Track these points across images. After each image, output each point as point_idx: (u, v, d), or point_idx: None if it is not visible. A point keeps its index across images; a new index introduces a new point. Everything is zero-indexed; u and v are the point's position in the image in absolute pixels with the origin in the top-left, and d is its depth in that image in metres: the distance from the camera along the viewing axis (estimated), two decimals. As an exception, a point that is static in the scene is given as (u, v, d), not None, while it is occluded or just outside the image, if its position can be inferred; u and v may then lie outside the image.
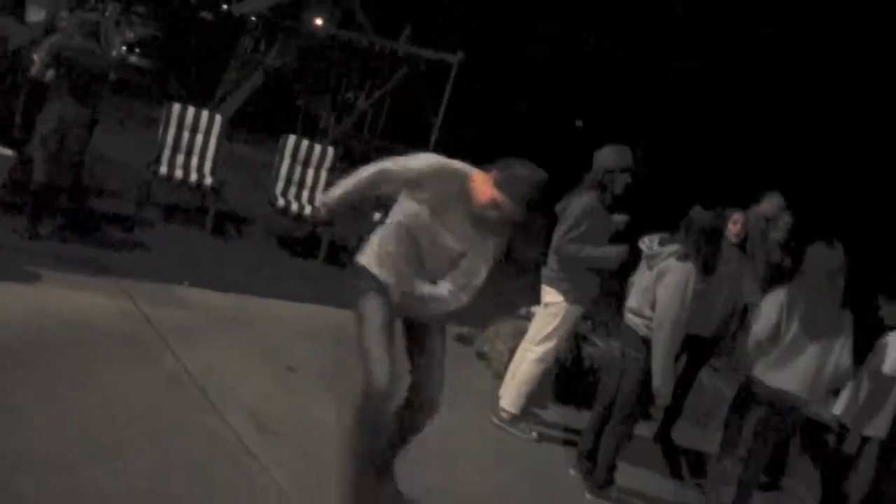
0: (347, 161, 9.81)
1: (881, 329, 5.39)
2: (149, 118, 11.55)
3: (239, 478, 3.91)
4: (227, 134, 8.51)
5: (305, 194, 8.30)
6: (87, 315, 5.09)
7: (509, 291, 7.81)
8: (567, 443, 5.72)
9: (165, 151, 7.94)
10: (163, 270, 6.30)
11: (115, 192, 7.96)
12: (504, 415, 5.59)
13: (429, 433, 3.98)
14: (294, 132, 8.95)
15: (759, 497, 5.80)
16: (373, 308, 3.67)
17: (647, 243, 5.03)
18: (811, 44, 14.47)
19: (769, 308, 5.00)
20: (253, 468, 4.02)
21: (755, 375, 5.00)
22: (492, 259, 3.71)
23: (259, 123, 13.97)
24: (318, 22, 14.68)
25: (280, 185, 8.25)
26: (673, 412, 6.18)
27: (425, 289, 3.65)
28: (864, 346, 5.33)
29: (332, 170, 8.37)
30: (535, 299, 5.91)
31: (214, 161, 8.11)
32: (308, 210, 7.95)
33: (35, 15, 7.62)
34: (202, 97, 13.46)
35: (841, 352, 4.80)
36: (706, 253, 4.85)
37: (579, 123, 19.41)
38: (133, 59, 14.84)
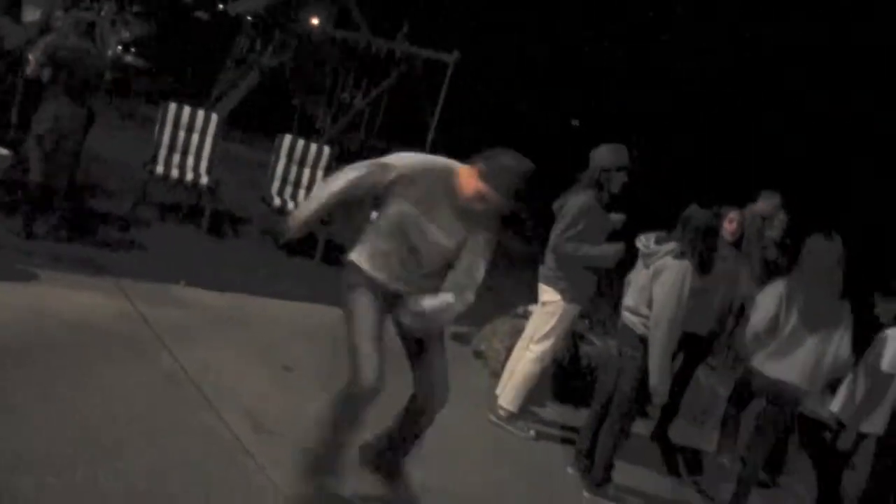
0: (343, 160, 9.80)
1: (877, 326, 5.40)
2: (145, 117, 11.54)
3: (235, 477, 3.90)
4: (223, 133, 8.50)
5: (301, 193, 8.30)
6: (84, 315, 5.09)
7: (506, 290, 7.82)
8: (565, 441, 5.73)
9: (161, 151, 7.93)
10: (159, 270, 6.29)
11: (112, 192, 7.95)
12: (502, 413, 5.59)
13: (426, 432, 3.98)
14: (290, 132, 8.94)
15: (757, 494, 5.81)
16: (362, 305, 3.67)
17: (644, 242, 5.03)
18: (811, 43, 14.49)
19: (768, 300, 5.01)
20: (249, 467, 4.02)
21: (754, 367, 5.01)
22: (488, 253, 3.70)
23: (255, 123, 13.96)
24: (315, 21, 14.68)
25: (276, 184, 8.25)
26: (670, 410, 6.19)
27: (431, 302, 3.57)
28: (861, 344, 5.33)
29: (327, 169, 8.36)
30: (532, 298, 5.91)
31: (210, 160, 8.11)
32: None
33: (31, 14, 7.62)
34: (198, 96, 13.44)
35: (840, 342, 4.82)
36: (702, 251, 4.86)
37: (575, 123, 19.41)
38: (129, 58, 14.81)
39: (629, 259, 5.25)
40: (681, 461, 6.11)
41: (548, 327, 5.46)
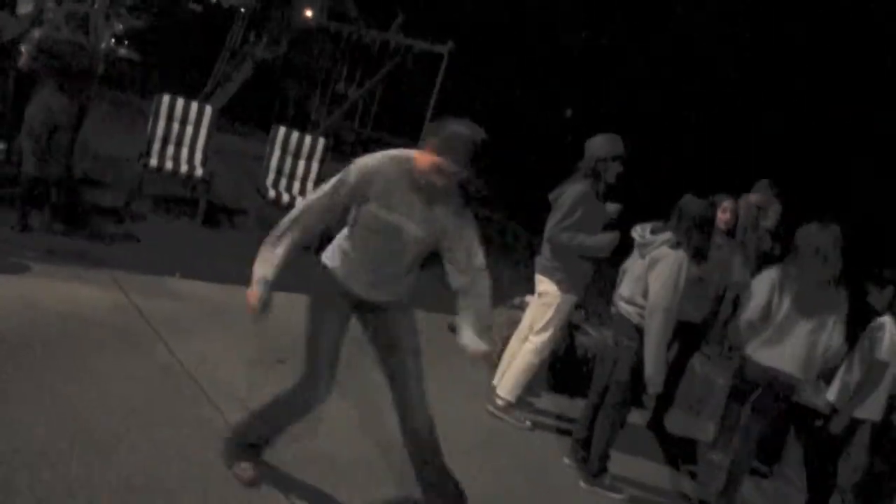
0: (338, 152, 9.78)
1: (871, 315, 5.41)
2: (138, 110, 11.50)
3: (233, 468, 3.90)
4: (218, 125, 8.48)
5: (296, 185, 8.29)
6: (79, 307, 5.08)
7: (502, 281, 7.82)
8: (561, 431, 5.74)
9: (155, 143, 7.91)
10: (154, 262, 6.29)
11: (106, 184, 7.93)
12: (500, 402, 5.60)
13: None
14: (284, 123, 8.92)
15: (752, 483, 5.84)
16: (328, 318, 3.70)
17: (640, 232, 5.04)
18: (811, 43, 14.50)
19: (760, 287, 5.01)
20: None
21: (748, 355, 5.01)
22: (474, 232, 3.64)
23: (249, 115, 13.92)
24: (308, 13, 14.62)
25: (271, 176, 8.24)
26: (665, 400, 6.20)
27: (472, 335, 3.68)
28: (856, 332, 5.35)
29: (322, 161, 8.35)
30: (528, 289, 5.91)
31: (205, 152, 8.09)
32: (300, 202, 7.92)
33: (25, 7, 7.59)
34: (192, 89, 13.40)
35: (833, 331, 4.81)
36: (698, 241, 4.86)
37: (569, 113, 19.39)
38: (122, 51, 14.75)
39: (623, 249, 5.26)
40: (677, 451, 6.12)
41: (546, 318, 5.47)
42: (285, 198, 7.95)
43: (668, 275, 4.75)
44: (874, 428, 5.34)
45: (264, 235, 3.68)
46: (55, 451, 3.58)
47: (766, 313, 4.92)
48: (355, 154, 3.72)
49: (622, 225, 5.40)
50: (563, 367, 6.50)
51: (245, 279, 6.64)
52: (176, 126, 7.99)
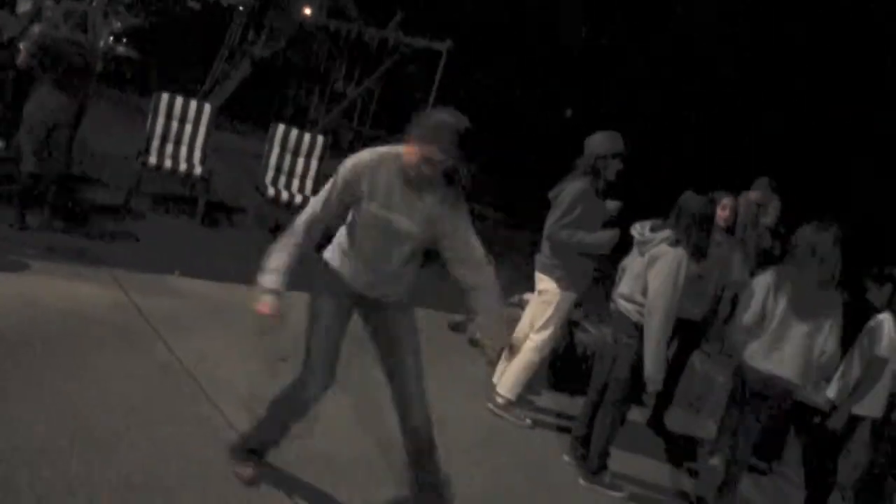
0: (336, 150, 9.77)
1: (870, 311, 5.40)
2: (137, 108, 11.49)
3: (233, 467, 3.89)
4: (216, 123, 8.47)
5: (296, 183, 8.28)
6: (78, 305, 5.08)
7: (501, 279, 7.79)
8: (561, 429, 5.73)
9: (154, 141, 7.90)
10: (153, 260, 6.28)
11: (105, 183, 7.92)
12: (500, 400, 5.60)
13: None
14: (283, 121, 8.91)
15: (752, 481, 5.84)
16: (328, 314, 3.68)
17: (639, 229, 5.03)
18: (811, 43, 14.49)
19: (756, 290, 4.99)
20: (247, 457, 4.01)
21: (745, 361, 4.98)
22: (469, 224, 3.64)
23: (248, 113, 13.91)
24: (307, 10, 14.61)
25: (270, 174, 8.23)
26: (665, 398, 6.20)
27: (489, 313, 3.69)
28: (855, 330, 5.34)
29: (321, 158, 8.35)
30: (528, 287, 5.90)
31: (204, 151, 8.08)
32: (299, 200, 7.92)
33: (24, 6, 7.60)
34: (191, 87, 13.39)
35: (828, 335, 4.78)
36: (697, 238, 4.85)
37: (569, 113, 19.38)
38: (121, 49, 14.74)
39: (623, 247, 5.25)
40: (677, 448, 6.12)
41: (546, 316, 5.47)
42: (284, 195, 7.95)
43: (668, 272, 4.74)
44: (874, 425, 5.34)
45: (263, 233, 3.68)
46: (55, 449, 3.58)
47: (762, 318, 4.90)
48: (353, 152, 3.71)
49: (622, 222, 5.40)
50: (563, 365, 6.50)
51: (244, 277, 6.63)
52: (175, 124, 7.98)
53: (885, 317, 5.20)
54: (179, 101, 8.02)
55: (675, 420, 6.46)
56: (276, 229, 8.15)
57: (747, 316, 4.95)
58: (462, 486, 4.46)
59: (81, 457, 3.58)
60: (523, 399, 5.81)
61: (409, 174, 3.45)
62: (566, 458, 5.27)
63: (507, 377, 5.61)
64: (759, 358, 4.88)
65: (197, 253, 6.88)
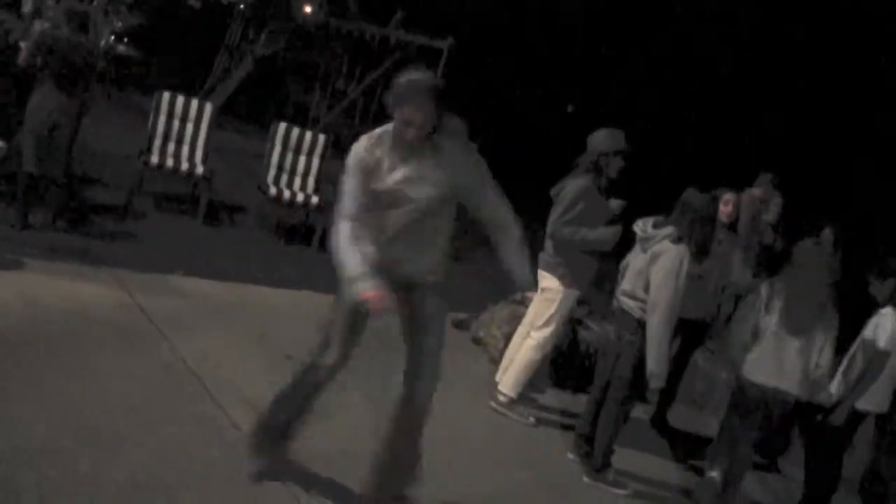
0: (337, 149, 9.76)
1: (871, 306, 5.40)
2: (138, 108, 11.48)
3: (237, 467, 3.89)
4: (218, 122, 8.46)
5: (297, 182, 8.27)
6: (80, 305, 5.07)
7: (504, 276, 7.79)
8: (564, 427, 5.73)
9: (156, 141, 7.90)
10: (156, 260, 6.28)
11: (107, 182, 7.91)
12: (502, 399, 5.59)
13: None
14: (284, 120, 8.91)
15: (755, 478, 5.83)
16: (349, 294, 3.67)
17: (641, 226, 5.03)
18: (811, 43, 14.48)
19: (751, 304, 4.99)
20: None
21: (743, 375, 4.98)
22: (486, 182, 3.68)
23: (249, 112, 13.90)
24: (307, 9, 14.59)
25: (272, 172, 8.22)
26: (668, 395, 6.19)
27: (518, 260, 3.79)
28: (858, 324, 5.34)
29: (323, 157, 8.35)
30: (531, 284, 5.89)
31: (205, 150, 8.08)
32: (300, 198, 7.92)
33: (27, 6, 7.62)
34: (192, 86, 13.37)
35: (822, 350, 4.78)
36: (700, 235, 4.85)
37: (570, 108, 19.36)
38: (121, 48, 14.71)
39: (626, 243, 5.25)
40: (680, 446, 6.11)
41: (548, 314, 5.46)
42: (286, 194, 7.94)
43: (670, 269, 4.74)
44: (879, 420, 5.33)
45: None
46: (58, 449, 3.57)
47: (757, 332, 4.91)
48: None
49: (624, 219, 5.39)
50: (566, 363, 6.49)
51: (247, 276, 6.67)
52: (176, 123, 7.98)
53: (887, 311, 5.20)
54: (181, 100, 8.02)
55: (679, 417, 6.45)
56: (278, 228, 8.18)
57: (743, 330, 4.95)
58: (466, 484, 4.47)
59: (84, 457, 3.58)
60: (526, 397, 5.81)
61: (401, 143, 3.51)
62: (570, 455, 5.27)
63: (509, 375, 5.61)
64: (757, 371, 4.88)
65: (199, 252, 6.88)
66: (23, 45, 6.43)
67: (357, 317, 3.69)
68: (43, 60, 6.15)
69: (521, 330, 5.73)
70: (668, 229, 4.85)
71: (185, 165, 7.80)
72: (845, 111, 14.04)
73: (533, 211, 6.04)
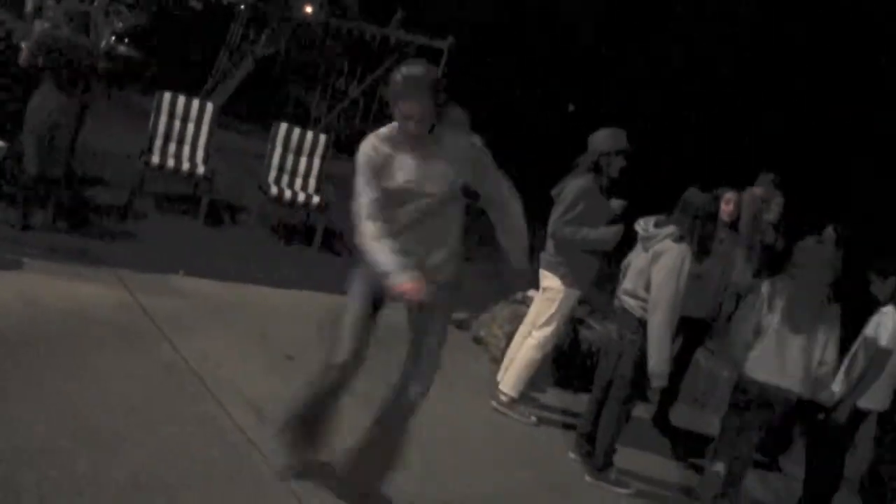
0: (339, 149, 9.74)
1: (873, 304, 5.40)
2: (139, 108, 11.48)
3: (238, 467, 3.89)
4: (219, 122, 8.46)
5: (298, 182, 8.27)
6: (82, 305, 5.07)
7: (506, 275, 7.79)
8: (566, 426, 5.72)
9: (157, 141, 7.89)
10: (157, 260, 6.27)
11: (108, 183, 7.90)
12: (504, 398, 5.58)
13: (426, 418, 3.97)
14: (285, 120, 8.90)
15: (757, 476, 5.83)
16: (356, 293, 3.73)
17: (643, 225, 5.03)
18: (811, 43, 14.48)
19: (753, 303, 5.00)
20: (253, 457, 4.00)
21: (745, 373, 4.98)
22: (491, 168, 3.71)
23: (250, 112, 13.89)
24: (308, 9, 14.60)
25: (273, 173, 8.21)
26: (670, 394, 6.18)
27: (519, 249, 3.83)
28: (859, 324, 5.34)
29: (324, 157, 8.34)
30: (532, 283, 5.90)
31: (206, 150, 8.07)
32: (301, 198, 7.91)
33: (28, 7, 7.63)
34: (193, 86, 13.37)
35: (826, 347, 4.79)
36: (701, 234, 4.85)
37: (571, 107, 19.36)
38: (122, 48, 14.72)
39: (627, 243, 5.24)
40: (682, 445, 6.11)
41: (549, 313, 5.45)
42: (287, 194, 7.93)
43: (671, 268, 4.74)
44: (881, 417, 5.33)
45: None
46: (58, 449, 3.57)
47: (759, 330, 4.91)
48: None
49: (625, 219, 5.39)
50: (568, 362, 6.49)
51: (248, 276, 6.67)
52: (177, 123, 7.97)
53: (888, 310, 5.20)
54: (182, 100, 8.01)
55: (681, 416, 6.45)
56: (279, 228, 8.18)
57: (745, 329, 4.96)
58: (466, 484, 4.47)
59: (84, 457, 3.57)
60: (528, 396, 5.81)
61: (407, 139, 3.52)
62: (571, 455, 5.26)
63: (510, 375, 5.60)
64: (758, 369, 4.89)
65: (200, 252, 6.87)
66: (23, 45, 6.41)
67: (366, 315, 3.70)
68: (44, 60, 6.15)
69: (522, 329, 5.73)
70: (670, 228, 4.85)
71: (186, 165, 7.80)
72: (845, 111, 14.03)
73: (534, 211, 6.03)
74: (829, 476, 5.42)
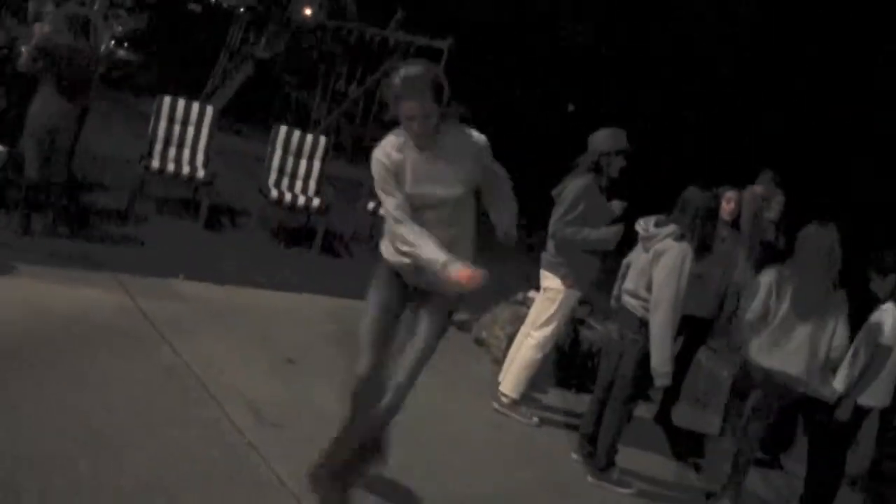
0: (339, 151, 9.76)
1: (873, 302, 5.40)
2: (139, 112, 11.49)
3: (239, 470, 3.89)
4: (218, 126, 8.46)
5: (298, 185, 8.27)
6: (82, 310, 5.07)
7: (506, 277, 7.80)
8: (568, 427, 5.72)
9: (157, 145, 7.89)
10: (157, 264, 6.28)
11: (108, 187, 7.91)
12: (505, 399, 5.58)
13: (427, 419, 3.97)
14: (284, 123, 8.91)
15: (759, 474, 5.82)
16: (373, 301, 3.75)
17: (644, 225, 5.02)
18: (811, 43, 14.49)
19: (759, 288, 5.01)
20: (252, 460, 4.00)
21: (750, 357, 5.00)
22: (494, 168, 3.72)
23: (250, 115, 13.90)
24: (307, 11, 14.60)
25: (273, 176, 8.21)
26: (671, 393, 6.18)
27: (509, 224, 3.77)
28: (859, 320, 5.34)
29: (324, 160, 8.35)
30: (532, 284, 5.90)
31: (206, 154, 8.07)
32: (302, 201, 7.91)
33: (31, 11, 7.64)
34: (192, 89, 13.37)
35: (835, 331, 4.80)
36: (702, 233, 4.85)
37: (571, 107, 19.36)
38: (122, 52, 14.73)
39: (626, 243, 5.25)
40: (684, 444, 6.11)
41: (549, 313, 5.45)
42: (287, 197, 7.93)
43: (672, 267, 4.74)
44: (882, 414, 5.33)
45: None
46: (60, 453, 3.57)
47: (765, 315, 4.92)
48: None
49: (626, 218, 5.39)
50: (569, 362, 6.49)
51: (249, 279, 6.67)
52: (177, 127, 7.97)
53: (888, 307, 5.20)
54: (182, 103, 8.01)
55: (682, 416, 6.45)
56: (279, 231, 8.18)
57: (751, 313, 4.98)
58: (467, 484, 4.47)
59: (86, 460, 3.57)
60: (529, 397, 5.80)
61: (415, 141, 3.50)
62: (574, 455, 5.26)
63: (510, 376, 5.60)
64: (763, 354, 4.91)
65: (200, 256, 6.87)
66: (23, 49, 6.41)
67: (385, 325, 3.72)
68: (43, 65, 6.15)
69: (523, 330, 5.73)
70: (671, 228, 4.84)
71: (186, 169, 7.80)
72: (845, 111, 14.03)
73: (534, 211, 6.04)
74: (830, 474, 5.42)
